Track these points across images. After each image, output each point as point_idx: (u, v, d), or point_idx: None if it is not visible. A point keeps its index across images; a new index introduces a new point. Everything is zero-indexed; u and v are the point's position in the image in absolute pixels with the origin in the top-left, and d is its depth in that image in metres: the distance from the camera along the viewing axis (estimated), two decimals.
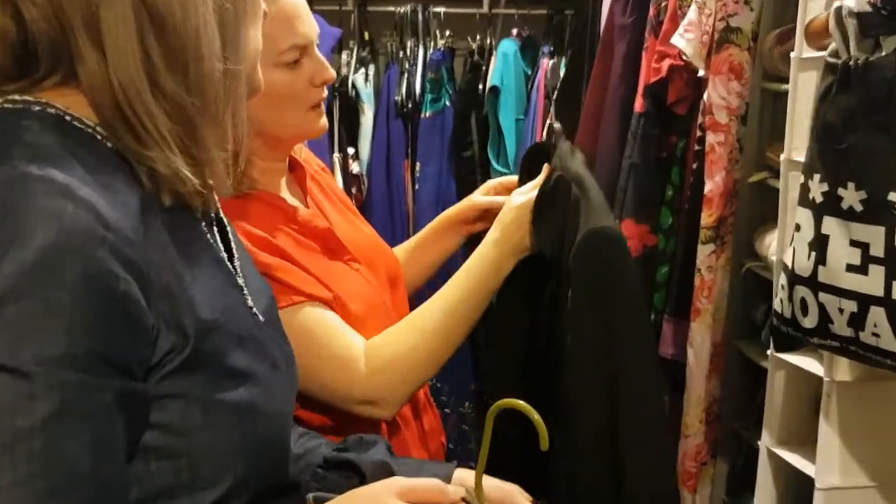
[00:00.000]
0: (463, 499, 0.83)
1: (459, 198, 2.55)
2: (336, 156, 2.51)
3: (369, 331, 1.15)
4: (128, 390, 0.63)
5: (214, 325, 0.70)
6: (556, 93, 2.41)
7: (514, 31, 2.59)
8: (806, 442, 1.55)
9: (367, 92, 2.56)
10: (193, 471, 0.69)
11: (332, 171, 2.45)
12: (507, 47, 2.51)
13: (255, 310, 0.79)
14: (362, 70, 2.58)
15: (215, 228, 0.80)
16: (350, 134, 2.57)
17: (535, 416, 0.77)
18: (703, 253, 1.70)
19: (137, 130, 0.68)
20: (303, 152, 1.28)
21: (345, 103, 2.52)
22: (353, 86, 2.55)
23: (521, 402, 0.79)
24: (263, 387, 0.75)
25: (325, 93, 1.15)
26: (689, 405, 1.76)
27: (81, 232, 0.60)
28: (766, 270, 1.67)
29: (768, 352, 1.56)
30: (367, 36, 2.62)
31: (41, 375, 0.58)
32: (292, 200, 1.18)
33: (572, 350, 1.06)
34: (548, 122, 2.44)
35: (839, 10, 1.14)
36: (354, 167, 2.54)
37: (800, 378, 1.53)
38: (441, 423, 1.33)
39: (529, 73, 2.55)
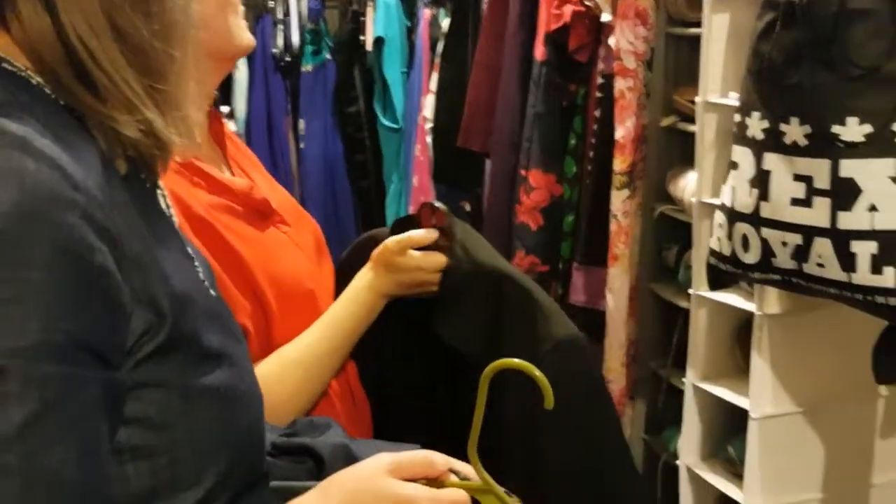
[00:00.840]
0: (450, 469, 0.78)
1: (346, 156, 2.49)
2: None
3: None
4: (111, 382, 0.54)
5: (188, 299, 0.62)
6: (441, 45, 2.35)
7: None
8: (729, 375, 1.61)
9: None
10: (174, 470, 0.60)
11: None
12: None
13: (207, 284, 0.70)
14: None
15: (165, 195, 0.71)
16: (222, 91, 2.40)
17: (537, 373, 0.73)
18: (618, 199, 1.72)
19: (97, 84, 0.58)
20: None
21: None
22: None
23: (518, 361, 0.73)
24: (238, 367, 0.67)
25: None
26: (611, 349, 1.78)
27: (48, 194, 0.50)
28: (680, 213, 1.70)
29: (690, 291, 1.59)
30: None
31: (15, 370, 0.48)
32: (211, 164, 1.05)
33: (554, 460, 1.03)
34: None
35: None
36: (231, 126, 2.39)
37: (720, 314, 1.58)
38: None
39: (409, 24, 2.48)
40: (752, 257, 1.26)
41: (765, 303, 1.42)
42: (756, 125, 1.21)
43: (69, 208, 0.51)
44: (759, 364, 1.45)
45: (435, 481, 0.76)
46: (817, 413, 1.50)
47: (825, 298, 1.24)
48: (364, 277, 1.10)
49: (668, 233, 1.76)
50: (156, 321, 0.57)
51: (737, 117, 1.26)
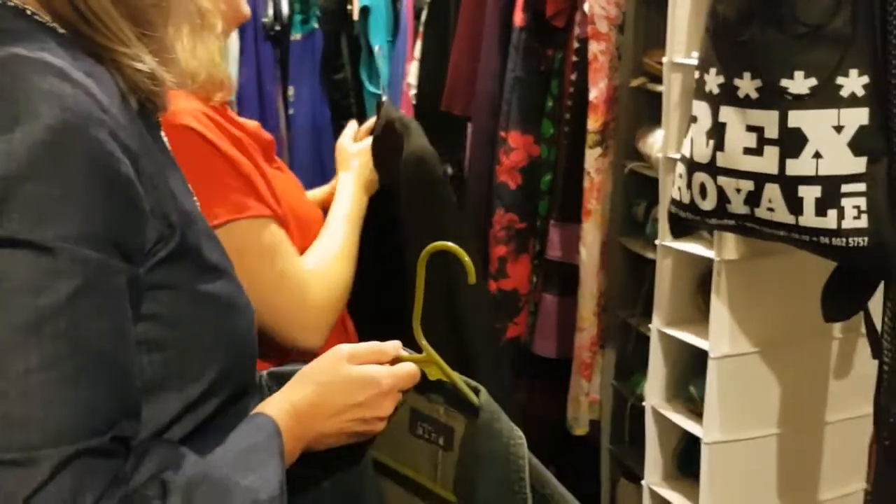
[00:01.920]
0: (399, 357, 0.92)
1: (334, 123, 2.57)
2: None
3: (314, 231, 1.27)
4: (133, 274, 0.63)
5: (191, 218, 0.72)
6: (424, 13, 2.43)
7: None
8: (691, 320, 1.72)
9: None
10: (181, 363, 0.70)
11: None
12: None
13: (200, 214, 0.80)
14: None
15: (161, 131, 0.81)
16: None
17: (465, 257, 0.86)
18: (592, 156, 1.82)
19: (100, 29, 0.67)
20: None
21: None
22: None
23: (450, 244, 0.88)
24: (233, 282, 0.77)
25: None
26: (584, 300, 1.89)
27: (83, 113, 0.60)
28: (648, 169, 1.80)
29: (656, 242, 1.70)
30: None
31: (65, 252, 0.57)
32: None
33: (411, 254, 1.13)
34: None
35: None
36: None
37: (684, 263, 1.69)
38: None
39: None
40: (708, 204, 1.37)
41: (723, 249, 1.53)
42: (713, 80, 1.31)
43: (100, 125, 0.61)
44: (718, 307, 1.56)
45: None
46: (773, 353, 1.62)
47: (776, 241, 1.35)
48: (340, 181, 1.38)
49: (638, 189, 1.87)
50: (167, 231, 0.67)
51: (696, 74, 1.36)
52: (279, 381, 0.88)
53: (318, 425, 0.83)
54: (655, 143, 1.73)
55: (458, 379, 0.92)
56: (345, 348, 0.88)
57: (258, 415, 0.78)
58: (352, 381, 0.85)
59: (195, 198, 0.81)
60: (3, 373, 0.55)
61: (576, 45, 1.88)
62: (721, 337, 1.57)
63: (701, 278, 1.70)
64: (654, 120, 1.73)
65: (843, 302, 1.39)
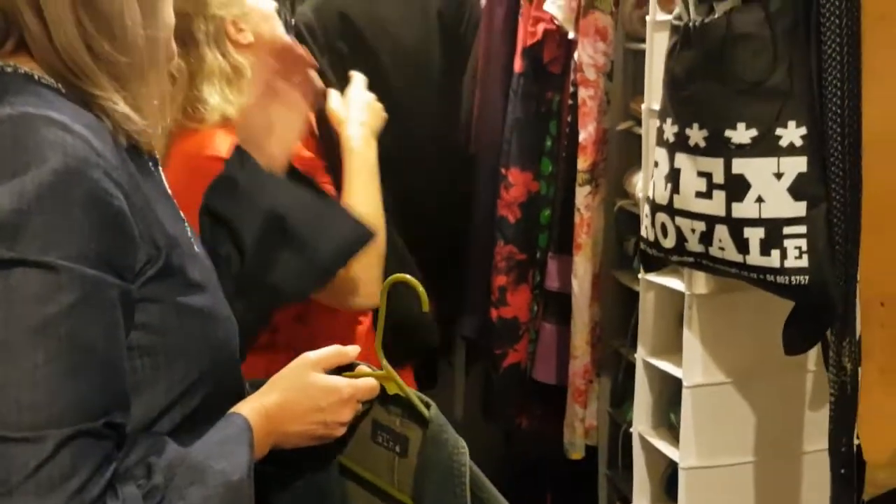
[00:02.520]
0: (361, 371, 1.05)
1: None
2: None
3: None
4: (125, 289, 0.77)
5: (175, 242, 0.86)
6: None
7: None
8: (674, 351, 1.81)
9: None
10: (170, 365, 0.84)
11: None
12: None
13: (192, 239, 0.95)
14: None
15: (159, 168, 0.96)
16: None
17: (420, 288, 1.01)
18: (581, 194, 1.93)
19: (85, 81, 0.82)
20: None
21: None
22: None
23: (408, 276, 1.03)
24: (213, 296, 0.91)
25: None
26: (576, 330, 1.99)
27: (82, 158, 0.74)
28: (635, 207, 1.90)
29: (639, 276, 1.80)
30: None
31: (66, 269, 0.71)
32: None
33: None
34: None
35: None
36: None
37: (666, 296, 1.78)
38: None
39: None
40: (669, 242, 1.47)
41: (694, 284, 1.63)
42: (669, 129, 1.42)
43: (96, 167, 0.75)
44: (690, 338, 1.65)
45: (348, 368, 1.02)
46: (748, 383, 1.70)
47: (730, 278, 1.44)
48: (342, 138, 1.49)
49: (628, 225, 1.97)
50: (155, 253, 0.82)
51: (657, 123, 1.47)
52: (257, 388, 1.03)
53: (284, 425, 0.97)
54: (638, 183, 1.83)
55: (412, 394, 1.05)
56: (311, 356, 1.03)
57: (233, 413, 0.93)
58: (316, 388, 1.00)
59: (186, 225, 0.96)
60: (16, 366, 0.69)
61: (571, 89, 2.00)
62: (694, 367, 1.66)
63: (681, 311, 1.79)
64: (641, 160, 1.84)
65: (801, 335, 1.47)
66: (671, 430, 1.82)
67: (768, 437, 1.73)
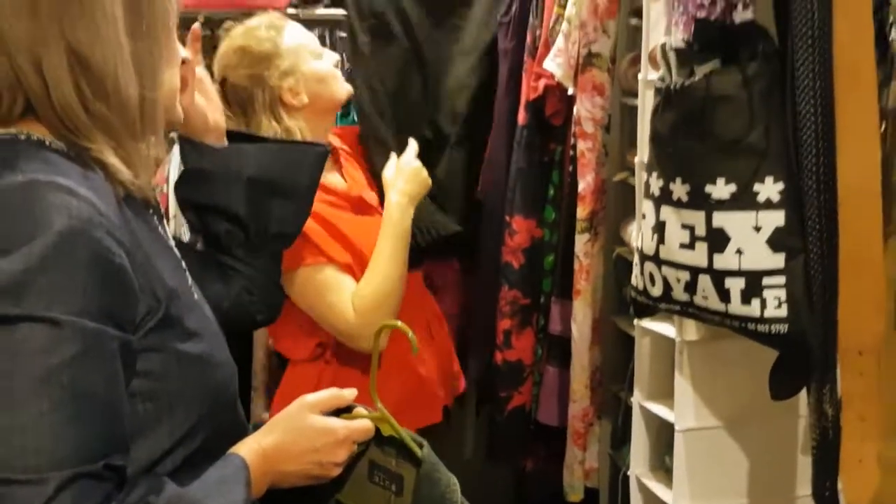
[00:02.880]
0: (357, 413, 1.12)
1: None
2: None
3: None
4: (125, 340, 0.84)
5: (175, 293, 0.94)
6: None
7: None
8: (669, 395, 1.86)
9: None
10: (171, 409, 0.91)
11: None
12: None
13: (192, 287, 1.02)
14: None
15: (164, 221, 1.04)
16: None
17: (410, 333, 1.10)
18: (580, 241, 2.00)
19: (82, 140, 0.90)
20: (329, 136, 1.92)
21: None
22: None
23: (399, 322, 1.15)
24: (210, 343, 0.98)
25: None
26: (575, 374, 2.05)
27: (86, 220, 0.82)
28: (632, 254, 1.97)
29: (635, 321, 1.85)
30: None
31: (69, 324, 0.78)
32: (331, 175, 1.82)
33: None
34: None
35: (664, 45, 1.44)
36: None
37: (660, 342, 1.83)
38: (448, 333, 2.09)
39: None
40: (657, 291, 1.53)
41: (684, 331, 1.68)
42: (655, 183, 1.49)
43: (99, 227, 0.83)
44: (682, 382, 1.70)
45: (346, 411, 1.09)
46: (740, 428, 1.74)
47: (715, 325, 1.50)
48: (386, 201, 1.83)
49: (626, 272, 2.02)
50: (155, 305, 0.89)
51: (643, 176, 1.55)
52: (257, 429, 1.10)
53: (281, 465, 1.03)
54: (633, 231, 1.90)
55: (406, 435, 1.11)
56: (308, 398, 1.10)
57: (231, 454, 0.99)
58: (313, 430, 1.06)
59: (188, 274, 1.03)
60: (21, 414, 0.76)
61: (572, 141, 2.07)
62: (686, 411, 1.71)
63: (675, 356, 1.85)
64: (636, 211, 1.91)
65: (785, 382, 1.52)
66: (667, 474, 1.86)
67: (760, 481, 1.77)
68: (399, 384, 1.78)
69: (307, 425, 1.07)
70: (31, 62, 0.87)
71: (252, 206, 1.24)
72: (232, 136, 1.30)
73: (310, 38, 1.85)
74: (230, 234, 1.24)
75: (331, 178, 1.83)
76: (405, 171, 1.83)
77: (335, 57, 1.87)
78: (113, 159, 0.90)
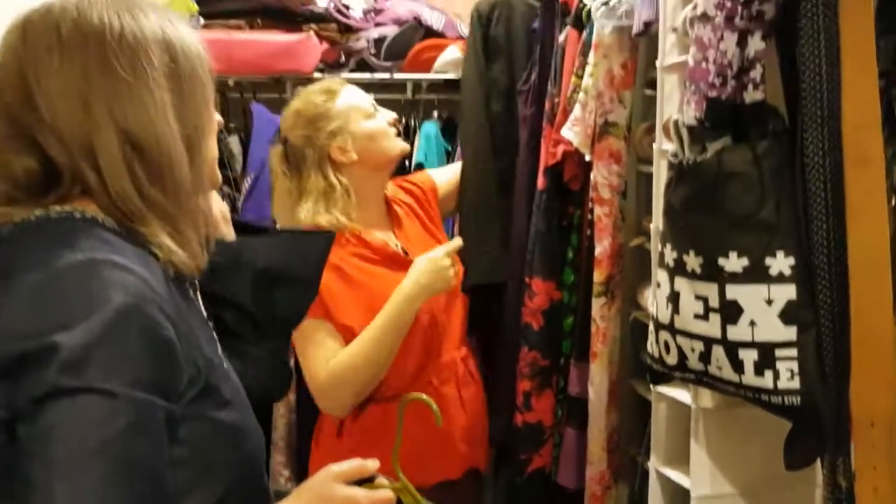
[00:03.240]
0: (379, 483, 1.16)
1: None
2: None
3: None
4: (169, 410, 0.89)
5: (212, 363, 0.98)
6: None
7: (435, 114, 2.93)
8: (686, 461, 1.87)
9: None
10: (204, 477, 0.95)
11: None
12: (429, 128, 2.84)
13: (223, 357, 1.07)
14: None
15: (198, 293, 1.09)
16: None
17: (433, 406, 1.18)
18: (597, 305, 2.03)
19: (137, 224, 0.95)
20: (389, 188, 2.04)
21: None
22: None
23: (423, 395, 1.22)
24: (242, 412, 1.03)
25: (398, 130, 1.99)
26: (592, 436, 2.06)
27: (140, 296, 0.87)
28: (648, 319, 1.99)
29: (651, 387, 1.87)
30: None
31: (123, 395, 0.82)
32: (381, 233, 1.94)
33: None
34: None
35: (676, 121, 1.49)
36: None
37: (677, 408, 1.85)
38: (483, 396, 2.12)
39: (450, 149, 2.88)
40: (672, 360, 1.56)
41: (700, 398, 1.70)
42: (669, 254, 1.52)
43: (151, 303, 0.88)
44: (697, 449, 1.72)
45: (369, 481, 1.12)
46: (754, 496, 1.75)
47: (730, 395, 1.52)
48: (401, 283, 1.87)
49: (642, 336, 2.05)
50: (196, 374, 0.94)
51: (658, 247, 1.58)
52: (280, 497, 1.14)
53: None
54: (649, 297, 1.93)
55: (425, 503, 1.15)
56: (334, 468, 1.14)
57: None
58: (337, 500, 1.10)
59: (217, 342, 1.08)
60: (77, 483, 0.80)
61: (590, 205, 2.12)
62: (702, 478, 1.72)
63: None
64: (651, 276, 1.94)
65: (799, 452, 1.53)
66: None
67: None
68: (418, 431, 1.80)
69: (332, 495, 1.10)
70: (85, 151, 0.93)
71: (258, 296, 1.29)
72: (238, 226, 1.36)
73: (363, 99, 1.97)
74: (238, 321, 1.28)
75: (377, 233, 1.94)
76: (431, 262, 1.86)
77: (390, 115, 1.99)
78: (167, 241, 0.96)
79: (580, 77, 2.02)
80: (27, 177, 0.94)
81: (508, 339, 2.33)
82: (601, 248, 2.01)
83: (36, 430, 0.80)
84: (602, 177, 1.99)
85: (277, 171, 1.96)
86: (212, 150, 1.07)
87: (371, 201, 1.96)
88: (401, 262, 1.92)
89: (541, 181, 2.19)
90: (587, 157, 2.02)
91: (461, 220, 2.28)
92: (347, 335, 1.83)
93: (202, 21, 2.59)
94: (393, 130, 1.97)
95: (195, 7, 2.53)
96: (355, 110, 1.92)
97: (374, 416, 1.89)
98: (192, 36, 1.02)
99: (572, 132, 1.99)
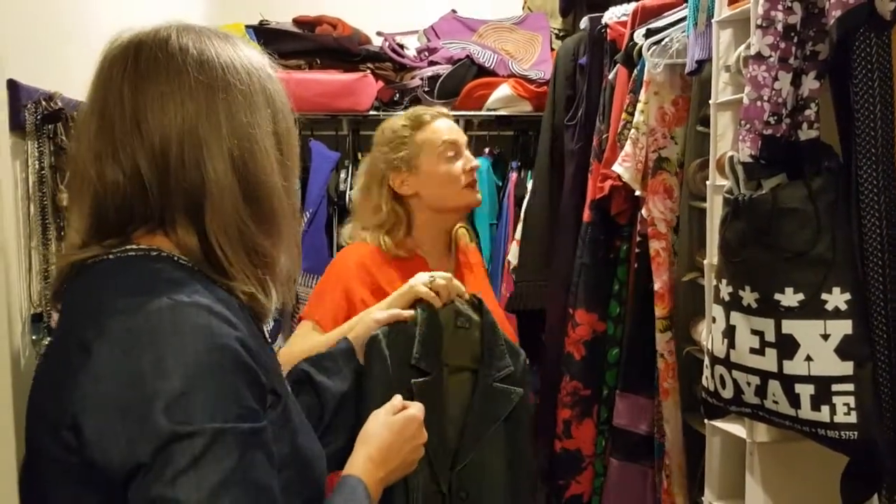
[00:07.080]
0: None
1: None
2: None
3: None
4: (267, 430, 0.93)
5: (287, 392, 1.03)
6: (525, 202, 2.78)
7: (487, 150, 2.99)
8: (740, 495, 1.86)
9: None
10: (284, 499, 0.98)
11: None
12: (481, 164, 2.89)
13: (287, 384, 1.11)
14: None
15: (262, 324, 1.13)
16: None
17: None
18: (663, 340, 2.04)
19: (225, 271, 1.00)
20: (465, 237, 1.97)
21: (344, 215, 2.88)
22: (350, 200, 2.90)
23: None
24: (310, 437, 1.08)
25: (475, 176, 1.85)
26: (673, 477, 2.06)
27: (225, 334, 0.91)
28: (701, 353, 2.01)
29: (706, 421, 1.88)
30: (360, 157, 2.99)
31: (230, 430, 0.88)
32: (438, 264, 1.83)
33: None
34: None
35: (731, 158, 1.52)
36: None
37: (731, 442, 1.85)
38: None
39: (501, 184, 2.93)
40: (728, 393, 1.57)
41: (755, 432, 1.71)
42: (724, 289, 1.54)
43: (235, 341, 0.92)
44: (752, 483, 1.72)
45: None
46: None
47: (786, 429, 1.53)
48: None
49: (697, 370, 2.06)
50: (275, 400, 0.99)
51: (714, 282, 1.60)
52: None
53: (389, 464, 1.18)
54: (703, 331, 1.94)
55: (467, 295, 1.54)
56: (382, 409, 1.24)
57: (347, 476, 1.12)
58: (398, 424, 1.22)
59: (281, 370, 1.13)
60: None
61: (638, 239, 2.15)
62: None
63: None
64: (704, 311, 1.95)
65: (856, 487, 1.53)
66: None
67: None
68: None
69: (393, 422, 1.22)
70: (189, 201, 0.97)
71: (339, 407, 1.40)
72: None
73: (449, 138, 1.83)
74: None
75: (437, 264, 1.85)
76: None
77: (471, 163, 1.85)
78: (256, 291, 1.01)
79: (630, 114, 2.06)
80: (114, 198, 0.97)
81: (550, 370, 2.36)
82: (660, 282, 2.03)
83: (161, 480, 0.84)
84: (658, 211, 2.02)
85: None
86: (296, 176, 1.11)
87: (425, 238, 1.86)
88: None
89: (587, 214, 2.23)
90: (637, 192, 2.06)
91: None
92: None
93: None
94: (465, 179, 1.82)
95: (258, 47, 2.62)
96: (431, 147, 1.82)
97: None
98: (278, 81, 1.08)
99: (623, 167, 2.02)
